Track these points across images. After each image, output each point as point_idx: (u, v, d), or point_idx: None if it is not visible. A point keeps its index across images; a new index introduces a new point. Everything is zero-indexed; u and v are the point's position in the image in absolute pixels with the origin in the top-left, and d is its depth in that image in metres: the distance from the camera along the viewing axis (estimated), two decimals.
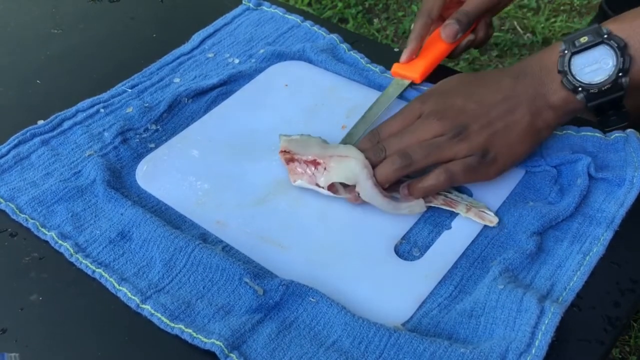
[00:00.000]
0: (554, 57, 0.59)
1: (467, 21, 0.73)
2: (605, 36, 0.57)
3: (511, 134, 0.60)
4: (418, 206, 0.61)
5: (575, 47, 0.58)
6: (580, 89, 0.57)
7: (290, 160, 0.64)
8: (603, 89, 0.57)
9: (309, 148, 0.63)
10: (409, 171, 0.59)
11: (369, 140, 0.62)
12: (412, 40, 0.73)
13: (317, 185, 0.62)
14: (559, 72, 0.58)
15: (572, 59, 0.58)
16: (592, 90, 0.57)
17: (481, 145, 0.59)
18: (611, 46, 0.56)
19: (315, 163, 0.62)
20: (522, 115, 0.59)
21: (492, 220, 0.60)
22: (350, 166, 0.60)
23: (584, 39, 0.57)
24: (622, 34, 0.56)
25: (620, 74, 0.56)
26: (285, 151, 0.64)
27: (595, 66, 0.57)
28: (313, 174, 0.62)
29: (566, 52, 0.58)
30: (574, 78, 0.58)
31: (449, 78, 0.65)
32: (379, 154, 0.60)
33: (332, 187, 0.62)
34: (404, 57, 0.73)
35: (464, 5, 0.74)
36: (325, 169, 0.61)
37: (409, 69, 0.74)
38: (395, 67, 0.74)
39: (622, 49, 0.56)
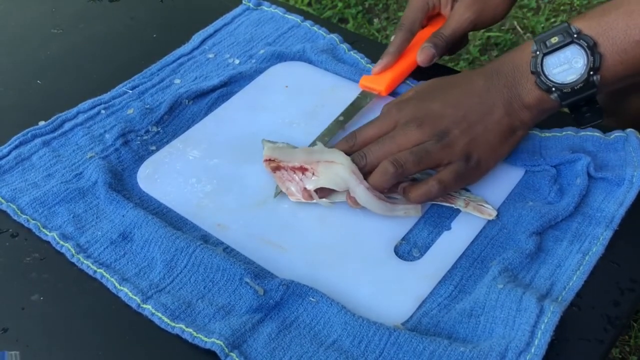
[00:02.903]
0: (526, 58, 0.60)
1: (445, 45, 0.73)
2: (575, 36, 0.57)
3: (491, 136, 0.60)
4: (414, 210, 0.61)
5: (546, 47, 0.58)
6: (553, 88, 0.58)
7: (276, 168, 0.64)
8: (576, 87, 0.58)
9: (294, 154, 0.63)
10: (401, 178, 0.60)
11: (345, 143, 0.63)
12: (389, 54, 0.73)
13: (305, 189, 0.62)
14: (532, 72, 0.59)
15: (544, 60, 0.58)
16: (565, 90, 0.58)
17: (464, 150, 0.60)
18: (581, 45, 0.57)
19: (302, 169, 0.62)
20: (500, 116, 0.60)
21: (491, 213, 0.61)
22: (338, 172, 0.60)
23: (555, 40, 0.58)
24: (591, 33, 0.57)
25: (591, 73, 0.57)
26: (270, 159, 0.64)
27: (566, 66, 0.58)
28: (301, 179, 0.62)
29: (538, 52, 0.59)
30: (547, 78, 0.58)
31: (423, 83, 0.66)
32: (360, 160, 0.60)
33: (325, 194, 0.62)
34: (376, 68, 0.73)
35: (442, 27, 0.74)
36: (313, 174, 0.62)
37: (376, 82, 0.72)
38: (364, 79, 0.73)
39: (592, 48, 0.57)
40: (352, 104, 0.71)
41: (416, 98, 0.63)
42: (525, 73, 0.59)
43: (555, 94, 0.58)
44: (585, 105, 0.60)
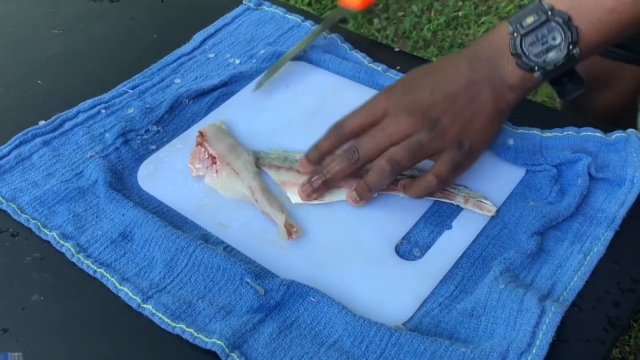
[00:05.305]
0: (504, 40, 0.60)
1: None
2: (550, 13, 0.58)
3: (480, 119, 0.60)
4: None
5: (523, 28, 0.59)
6: (536, 67, 0.59)
7: (199, 143, 0.66)
8: (558, 64, 0.59)
9: (220, 141, 0.65)
10: (397, 174, 0.60)
11: (333, 137, 0.62)
12: None
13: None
14: (512, 54, 0.59)
15: (523, 41, 0.59)
16: (548, 68, 0.59)
17: (456, 137, 0.60)
18: (557, 22, 0.58)
19: (213, 160, 0.64)
20: (486, 99, 0.60)
21: (490, 209, 0.61)
22: (236, 187, 0.63)
23: (530, 19, 0.59)
24: (563, 7, 0.58)
25: (570, 47, 0.58)
26: (201, 133, 0.66)
27: (545, 44, 0.58)
28: (206, 168, 0.64)
29: (515, 34, 0.59)
30: (528, 59, 0.59)
31: (408, 73, 0.65)
32: (353, 155, 0.60)
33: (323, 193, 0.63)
34: None
35: None
36: (217, 171, 0.63)
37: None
38: None
39: (567, 23, 0.57)
40: (327, 17, 0.73)
41: (403, 86, 0.63)
42: (506, 55, 0.60)
43: (538, 73, 0.59)
44: (565, 77, 0.61)
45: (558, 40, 0.58)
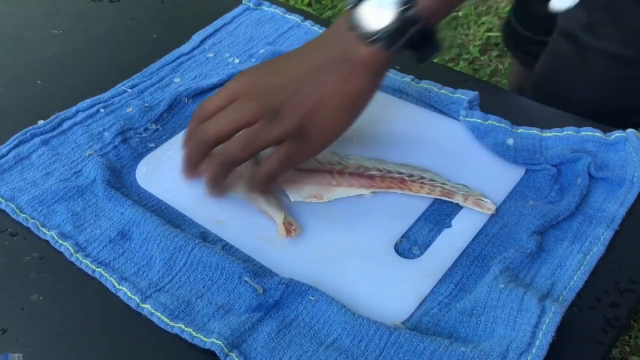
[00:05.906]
0: (343, 17, 0.57)
1: None
2: None
3: (326, 108, 0.57)
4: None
5: None
6: (375, 37, 0.55)
7: None
8: (394, 29, 0.55)
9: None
10: (233, 167, 0.60)
11: (194, 121, 0.62)
12: None
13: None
14: (350, 29, 0.56)
15: (359, 12, 0.55)
16: (386, 35, 0.55)
17: (296, 127, 0.57)
18: None
19: None
20: (334, 85, 0.57)
21: (490, 207, 0.61)
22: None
23: None
24: None
25: (405, 8, 0.54)
26: None
27: (380, 11, 0.55)
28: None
29: (350, 5, 0.56)
30: (365, 29, 0.55)
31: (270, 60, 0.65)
32: (201, 138, 0.60)
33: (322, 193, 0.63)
34: None
35: None
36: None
37: None
38: None
39: None
40: None
41: (258, 69, 0.63)
42: (346, 33, 0.57)
43: (380, 43, 0.55)
44: (424, 44, 0.57)
45: (391, 2, 0.54)
